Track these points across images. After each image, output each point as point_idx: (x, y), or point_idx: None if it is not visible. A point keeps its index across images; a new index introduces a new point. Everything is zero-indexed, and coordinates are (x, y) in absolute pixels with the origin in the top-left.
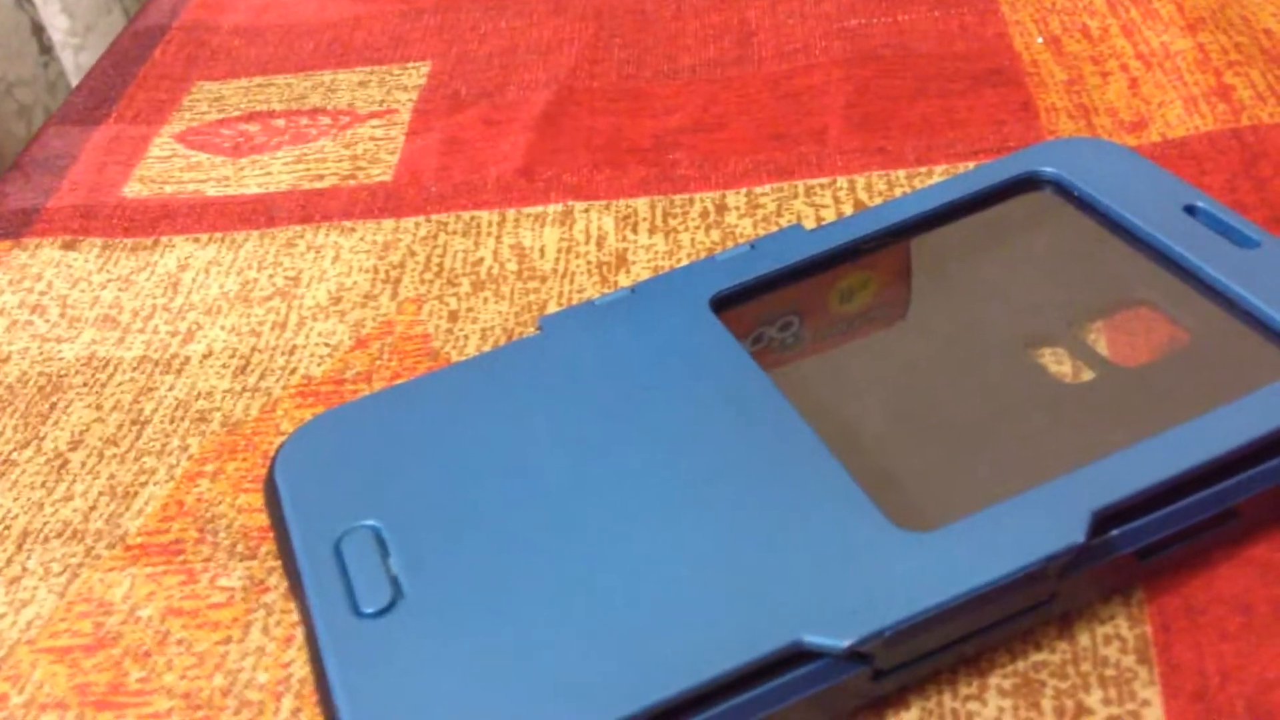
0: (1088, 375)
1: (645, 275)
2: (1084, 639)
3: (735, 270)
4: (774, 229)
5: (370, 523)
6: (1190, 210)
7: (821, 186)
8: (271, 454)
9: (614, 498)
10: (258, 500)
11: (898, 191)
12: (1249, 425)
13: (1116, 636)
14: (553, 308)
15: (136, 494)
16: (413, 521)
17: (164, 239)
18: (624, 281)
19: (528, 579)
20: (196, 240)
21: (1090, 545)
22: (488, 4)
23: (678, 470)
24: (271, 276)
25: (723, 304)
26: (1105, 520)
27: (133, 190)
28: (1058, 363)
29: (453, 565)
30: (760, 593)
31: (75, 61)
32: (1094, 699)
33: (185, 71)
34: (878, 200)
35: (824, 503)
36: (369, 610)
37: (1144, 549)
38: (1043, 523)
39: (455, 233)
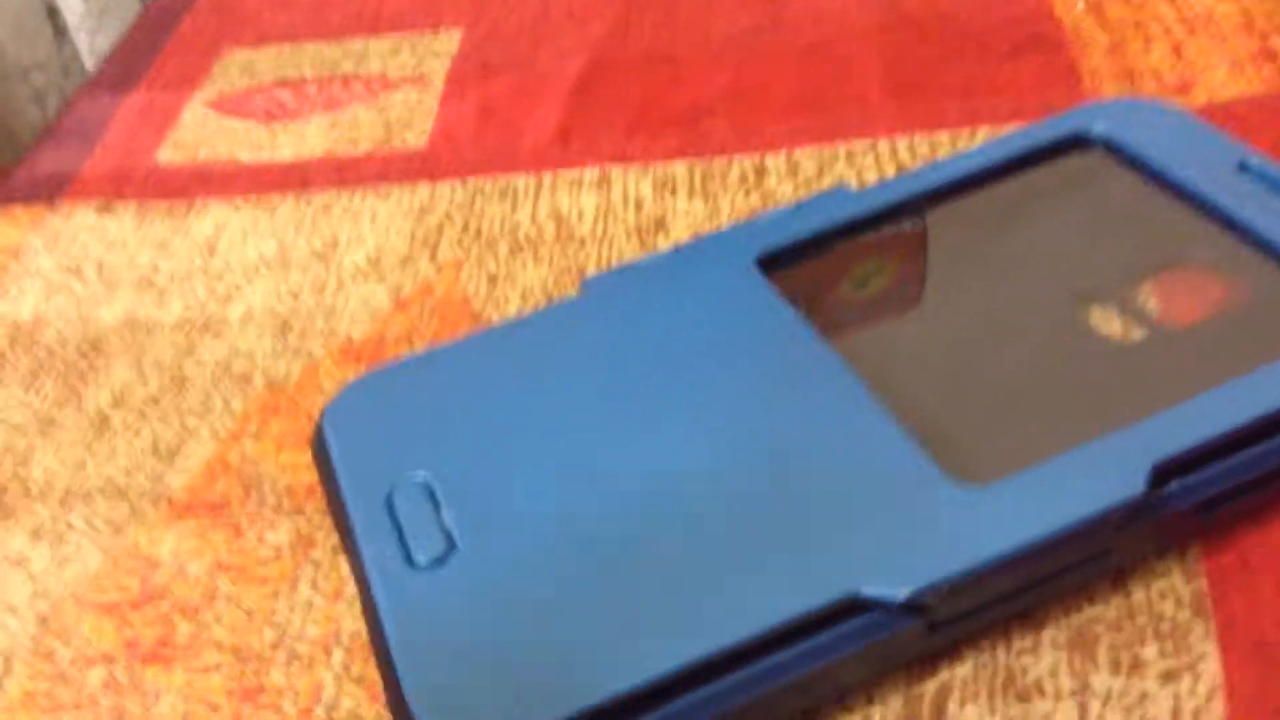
0: (1140, 334)
1: (686, 239)
2: (1139, 594)
3: (781, 230)
4: (815, 192)
5: (421, 476)
6: (1243, 167)
7: (863, 150)
8: (316, 413)
9: (663, 456)
10: (302, 458)
11: (941, 154)
12: None
13: (1172, 591)
14: (592, 271)
15: (179, 452)
16: (463, 476)
17: (199, 202)
18: (664, 245)
19: (579, 534)
20: (232, 204)
21: (1150, 498)
22: None
23: (728, 428)
24: (309, 239)
25: (769, 264)
26: (1165, 473)
27: (166, 156)
28: (1109, 322)
29: (504, 519)
30: (816, 545)
31: (91, 45)
32: (1150, 652)
33: (215, 39)
34: (920, 163)
35: (879, 457)
36: (423, 561)
37: (1203, 503)
38: (1102, 475)
39: (492, 198)
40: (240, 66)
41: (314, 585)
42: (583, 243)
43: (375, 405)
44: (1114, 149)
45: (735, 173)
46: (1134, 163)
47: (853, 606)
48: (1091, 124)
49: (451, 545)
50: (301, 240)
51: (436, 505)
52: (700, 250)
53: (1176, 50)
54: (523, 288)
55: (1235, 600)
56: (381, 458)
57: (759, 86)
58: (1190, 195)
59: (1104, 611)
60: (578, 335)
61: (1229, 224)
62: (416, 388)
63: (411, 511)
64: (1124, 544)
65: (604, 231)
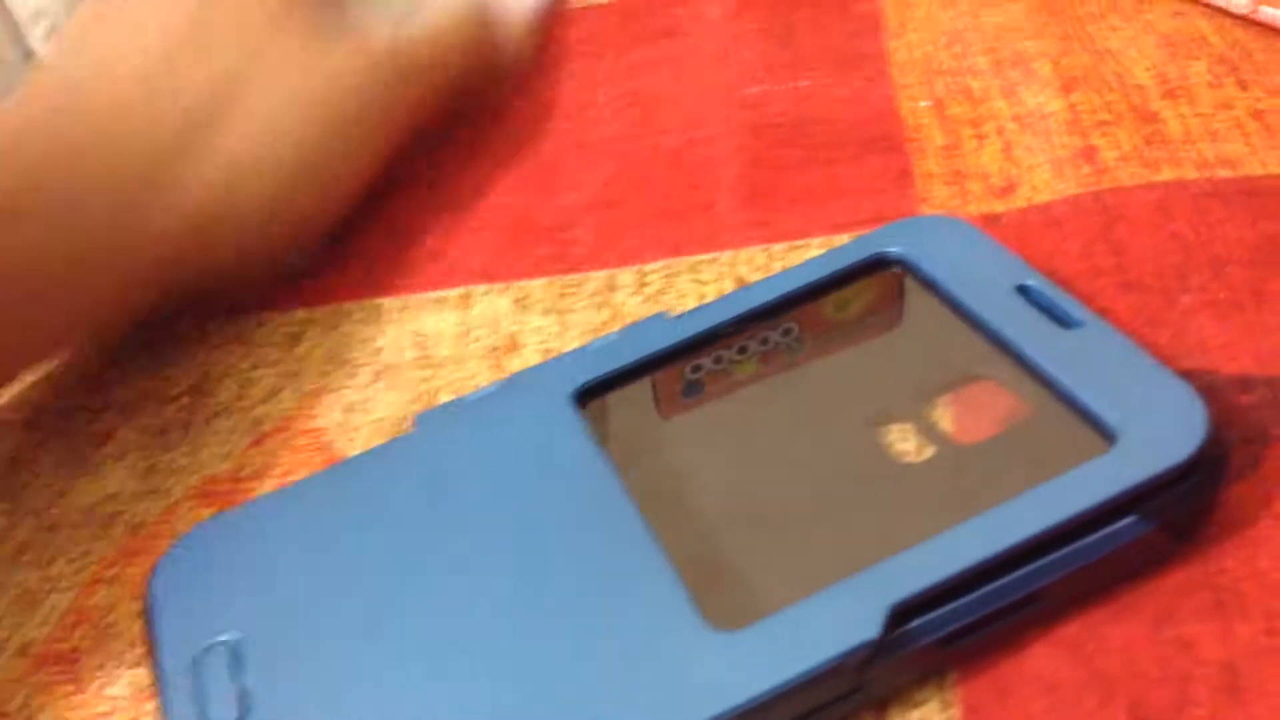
0: (922, 454)
1: (535, 358)
2: None
3: (598, 362)
4: (660, 307)
5: (230, 637)
6: (1022, 289)
7: (706, 262)
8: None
9: (462, 603)
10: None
11: (776, 265)
12: (1045, 513)
13: None
14: (444, 397)
15: (43, 602)
16: (272, 634)
17: None
18: (516, 365)
19: (374, 691)
20: None
21: (890, 638)
22: None
23: (523, 574)
24: (185, 371)
25: (586, 395)
26: (905, 612)
27: None
28: (903, 440)
29: (303, 678)
30: (575, 695)
31: None
32: None
33: None
34: (757, 274)
35: (645, 603)
36: None
37: (947, 636)
38: (840, 618)
39: (359, 321)
40: None
41: None
42: (440, 366)
43: (200, 561)
44: (910, 269)
45: (589, 287)
46: (927, 282)
47: None
48: (891, 244)
49: (246, 708)
50: (178, 372)
51: (241, 665)
52: (523, 384)
53: (1006, 149)
54: (375, 417)
55: None
56: (198, 617)
57: (622, 195)
58: (970, 316)
59: None
60: (404, 476)
61: (1004, 346)
62: (242, 539)
63: (213, 674)
64: (874, 680)
65: (460, 354)
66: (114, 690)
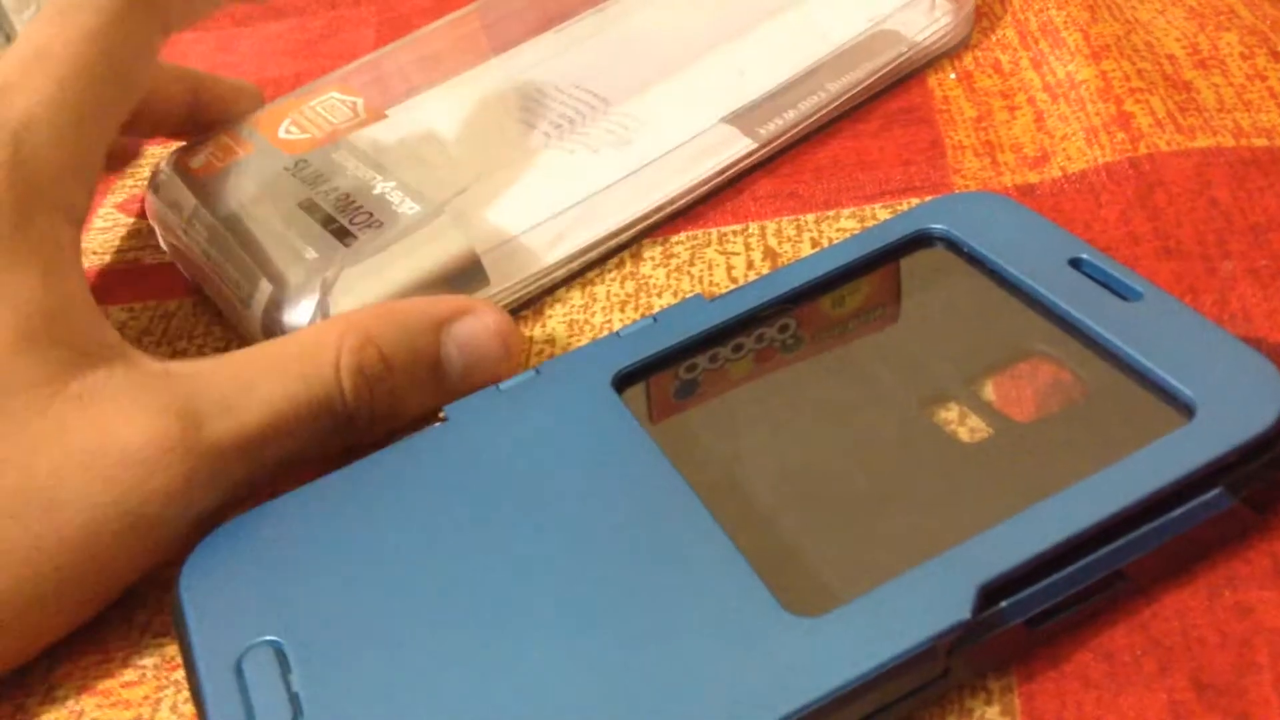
0: (983, 433)
1: (561, 330)
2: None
3: (637, 346)
4: (687, 279)
5: (272, 638)
6: (1075, 263)
7: (734, 233)
8: None
9: (515, 599)
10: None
11: (805, 237)
12: (1130, 487)
13: (983, 688)
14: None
15: None
16: (314, 635)
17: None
18: (539, 338)
19: (428, 690)
20: (130, 310)
21: (978, 620)
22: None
23: (578, 566)
24: (200, 347)
25: (625, 381)
26: (994, 592)
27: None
28: (955, 421)
29: (352, 680)
30: (656, 688)
31: None
32: None
33: (135, 139)
34: (786, 246)
35: (718, 591)
36: None
37: (1035, 617)
38: (928, 601)
39: None
40: (152, 163)
41: (174, 708)
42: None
43: (231, 562)
44: (954, 246)
45: (613, 259)
46: (973, 259)
47: None
48: (933, 221)
49: (299, 711)
50: (194, 348)
51: (287, 668)
52: (559, 371)
53: (1038, 119)
54: None
55: (1042, 695)
56: (234, 620)
57: None
58: (1025, 292)
59: (915, 710)
60: (437, 469)
61: (1062, 320)
62: (273, 539)
63: (259, 678)
64: (960, 665)
65: None
66: (140, 660)
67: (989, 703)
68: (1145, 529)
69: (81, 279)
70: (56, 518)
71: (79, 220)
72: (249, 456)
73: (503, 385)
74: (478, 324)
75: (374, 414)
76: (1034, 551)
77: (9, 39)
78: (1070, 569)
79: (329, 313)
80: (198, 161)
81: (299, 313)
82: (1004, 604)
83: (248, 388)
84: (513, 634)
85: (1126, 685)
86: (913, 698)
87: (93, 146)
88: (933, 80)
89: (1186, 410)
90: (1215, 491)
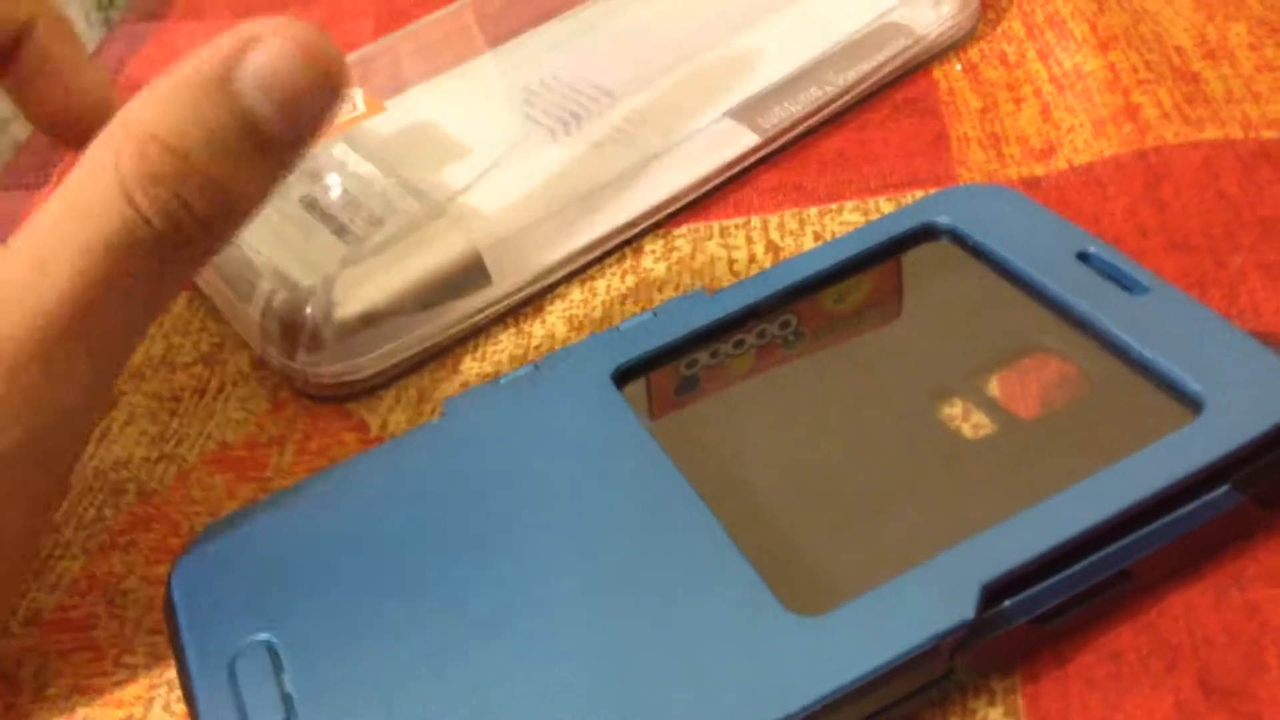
0: (988, 428)
1: (561, 326)
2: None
3: (637, 341)
4: (688, 273)
5: (265, 637)
6: (1082, 256)
7: (736, 226)
8: (185, 523)
9: (512, 597)
10: (166, 572)
11: (808, 230)
12: (1137, 484)
13: (986, 688)
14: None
15: (51, 568)
16: (307, 634)
17: None
18: (538, 334)
19: (423, 691)
20: None
21: (982, 619)
22: None
23: (577, 564)
24: (196, 343)
25: (626, 376)
26: (998, 591)
27: None
28: (959, 416)
29: (346, 679)
30: (656, 688)
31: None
32: None
33: None
34: (789, 239)
35: (718, 589)
36: None
37: (1039, 617)
38: (931, 599)
39: None
40: None
41: (166, 707)
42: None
43: (224, 559)
44: (959, 239)
45: (614, 253)
46: (978, 253)
47: None
48: (937, 214)
49: (291, 712)
50: (189, 343)
51: (280, 668)
52: (558, 365)
53: (1045, 111)
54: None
55: (1047, 695)
56: (227, 618)
57: None
58: (1031, 285)
59: (918, 710)
60: (435, 465)
61: (1068, 314)
62: (266, 536)
63: (252, 678)
64: (964, 664)
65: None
66: (132, 658)
67: (992, 703)
68: (1152, 527)
69: None
70: None
71: None
72: (76, 341)
73: (502, 380)
74: (271, 52)
75: (204, 221)
76: (1039, 550)
77: None
78: (1075, 568)
79: (330, 314)
80: None
81: (299, 311)
82: (1008, 603)
83: (37, 263)
84: (509, 634)
85: (1132, 686)
86: (915, 698)
87: None
88: (938, 72)
89: (1195, 406)
90: (1224, 488)
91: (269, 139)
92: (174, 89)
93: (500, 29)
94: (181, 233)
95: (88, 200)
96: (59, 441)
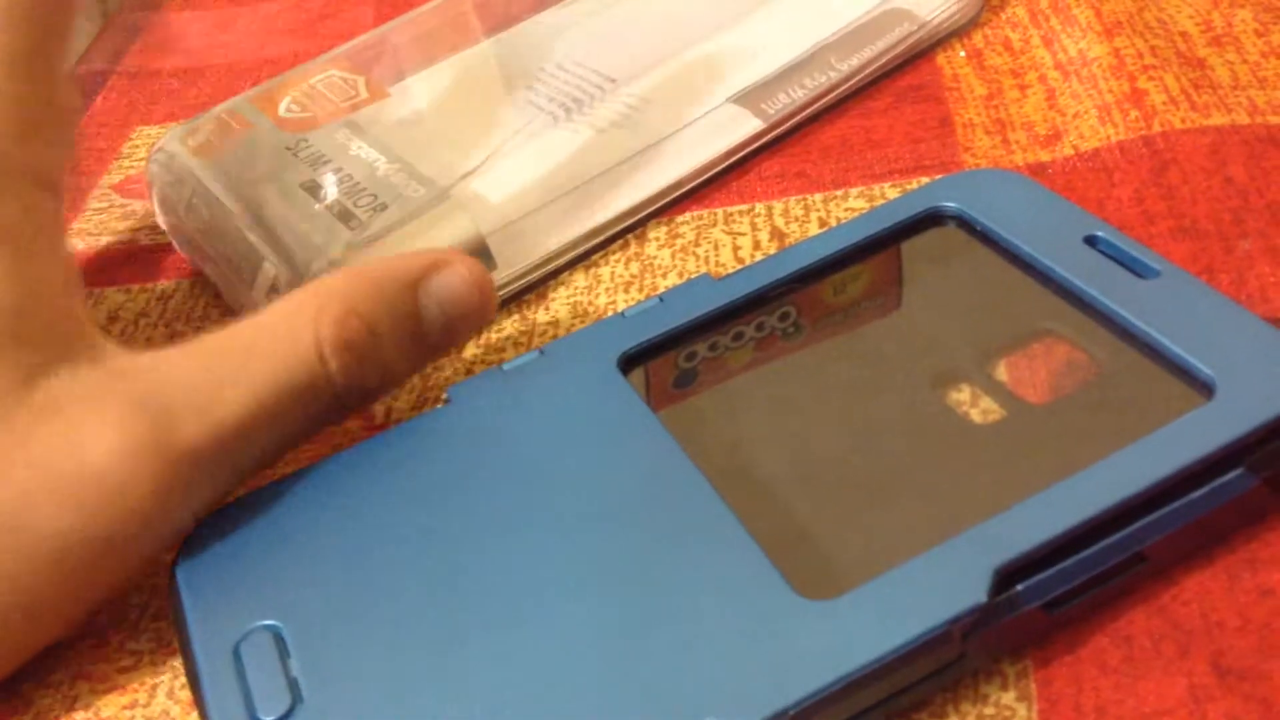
0: (997, 413)
1: (565, 312)
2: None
3: (643, 326)
4: (692, 259)
5: (270, 623)
6: (1091, 241)
7: (740, 213)
8: None
9: (520, 582)
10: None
11: (813, 216)
12: (1150, 468)
13: (998, 672)
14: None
15: None
16: (313, 620)
17: (95, 291)
18: (542, 320)
19: (430, 676)
20: (127, 291)
21: (995, 603)
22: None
23: (584, 550)
24: (199, 329)
25: (631, 362)
26: (1011, 574)
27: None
28: (967, 402)
29: (352, 664)
30: (666, 672)
31: None
32: None
33: (125, 118)
34: (794, 226)
35: (729, 575)
36: (266, 718)
37: (1052, 600)
38: (943, 583)
39: None
40: (148, 144)
41: (170, 694)
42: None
43: (229, 545)
44: (966, 224)
45: (618, 240)
46: (986, 237)
47: None
48: (944, 199)
49: (298, 697)
50: (191, 330)
51: (286, 653)
52: (563, 351)
53: (1050, 97)
54: None
55: (1060, 679)
56: (232, 604)
57: None
58: (1039, 270)
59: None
60: (440, 451)
61: (1077, 299)
62: (271, 523)
63: (257, 663)
64: (975, 648)
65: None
66: (136, 644)
67: (1005, 688)
68: (1164, 510)
69: (56, 258)
70: (23, 541)
71: (53, 185)
72: (229, 456)
73: (506, 366)
74: (455, 277)
75: (365, 389)
76: (1051, 534)
77: None
78: (1088, 551)
79: None
80: (197, 140)
81: None
82: (1020, 587)
83: (222, 381)
84: (517, 619)
85: (1145, 670)
86: (927, 682)
87: (38, 94)
88: (942, 58)
89: (1206, 389)
90: (1236, 472)
91: (430, 340)
92: (375, 281)
93: (498, 16)
94: (350, 393)
95: (280, 341)
96: (151, 546)
